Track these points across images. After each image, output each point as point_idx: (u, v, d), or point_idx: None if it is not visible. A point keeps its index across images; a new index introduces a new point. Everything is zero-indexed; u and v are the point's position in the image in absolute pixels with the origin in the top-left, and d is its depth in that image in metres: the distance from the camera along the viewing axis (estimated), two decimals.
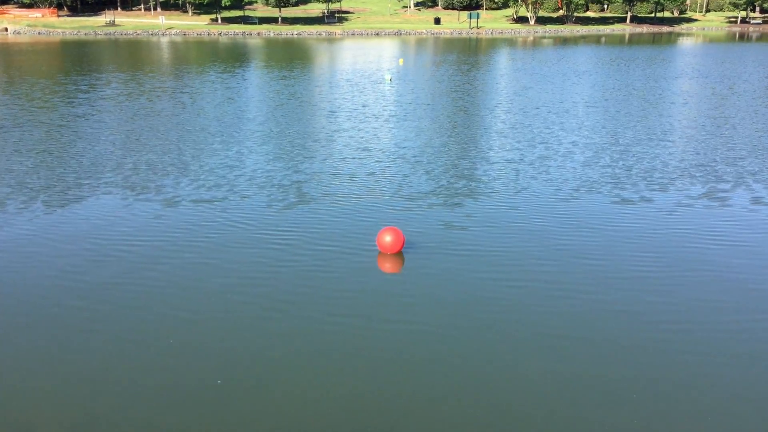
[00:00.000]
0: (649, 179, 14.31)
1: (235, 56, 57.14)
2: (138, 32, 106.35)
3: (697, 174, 14.81)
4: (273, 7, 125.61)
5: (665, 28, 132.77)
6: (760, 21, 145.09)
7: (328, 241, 10.45)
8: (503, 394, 6.36)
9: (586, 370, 6.75)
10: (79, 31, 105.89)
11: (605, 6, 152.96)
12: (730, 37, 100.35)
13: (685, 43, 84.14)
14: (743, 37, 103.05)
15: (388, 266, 9.53)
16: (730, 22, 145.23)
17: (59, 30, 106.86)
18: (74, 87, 32.10)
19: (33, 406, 6.18)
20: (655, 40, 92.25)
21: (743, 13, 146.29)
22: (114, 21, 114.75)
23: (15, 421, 5.95)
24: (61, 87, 32.19)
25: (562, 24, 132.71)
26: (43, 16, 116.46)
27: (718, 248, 10.20)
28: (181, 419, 5.99)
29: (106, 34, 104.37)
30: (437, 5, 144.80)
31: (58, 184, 13.87)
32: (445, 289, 8.68)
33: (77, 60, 51.17)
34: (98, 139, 18.88)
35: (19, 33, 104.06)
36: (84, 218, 11.61)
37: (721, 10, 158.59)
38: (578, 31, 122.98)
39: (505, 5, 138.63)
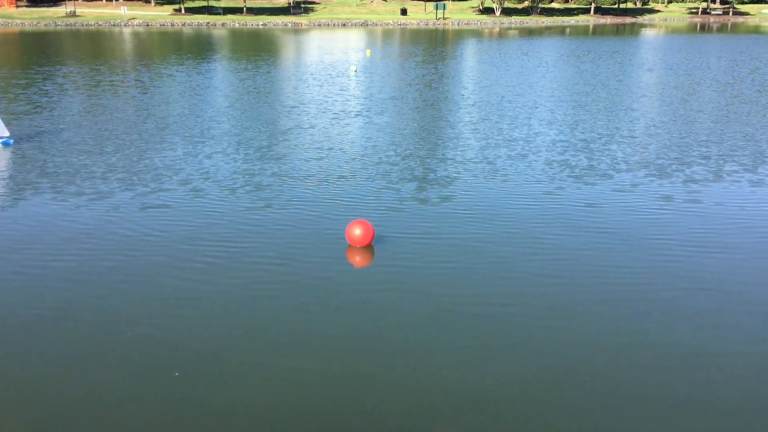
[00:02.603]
0: (622, 174, 14.56)
1: (198, 48, 56.37)
2: (99, 23, 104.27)
3: (671, 170, 15.12)
4: None
5: (628, 19, 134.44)
6: (720, 12, 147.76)
7: (296, 235, 10.45)
8: (473, 384, 6.46)
9: (560, 362, 6.89)
10: (38, 22, 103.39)
11: None
12: (692, 28, 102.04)
13: (647, 34, 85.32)
14: (704, 28, 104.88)
15: (358, 259, 9.56)
16: (692, 12, 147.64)
17: (18, 21, 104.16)
18: (15, 81, 31.38)
19: None
20: (618, 31, 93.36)
21: (704, 4, 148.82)
22: (74, 11, 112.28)
23: None
24: (3, 81, 31.39)
25: (528, 15, 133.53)
26: (0, 6, 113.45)
27: (701, 247, 10.46)
28: (141, 412, 5.96)
29: (66, 24, 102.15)
30: None
31: None
32: (415, 280, 8.76)
33: (34, 52, 49.97)
34: (41, 136, 18.53)
35: None
36: (35, 221, 11.43)
37: (682, 0, 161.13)
38: (543, 22, 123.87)
39: None
